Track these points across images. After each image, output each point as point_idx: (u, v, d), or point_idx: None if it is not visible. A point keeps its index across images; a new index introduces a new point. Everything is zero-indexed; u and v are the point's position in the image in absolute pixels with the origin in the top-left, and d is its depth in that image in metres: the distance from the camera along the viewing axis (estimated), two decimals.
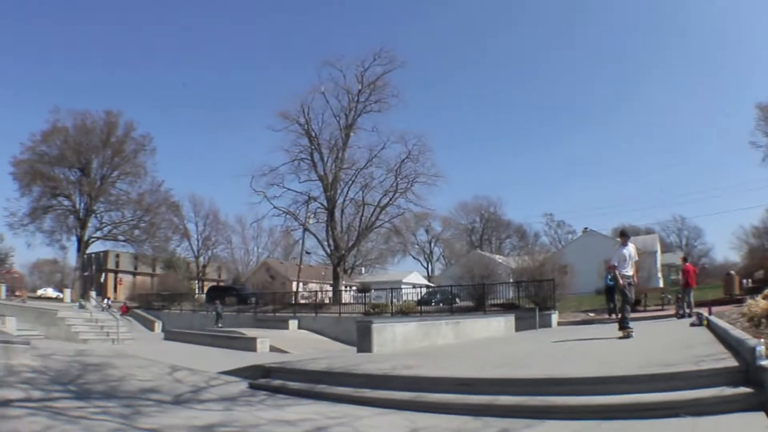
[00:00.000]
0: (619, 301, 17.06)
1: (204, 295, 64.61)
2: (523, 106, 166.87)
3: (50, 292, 79.85)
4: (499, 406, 7.60)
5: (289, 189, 57.34)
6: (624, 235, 17.35)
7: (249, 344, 27.76)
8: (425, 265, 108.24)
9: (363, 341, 15.07)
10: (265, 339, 28.16)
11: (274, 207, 57.15)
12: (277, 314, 43.82)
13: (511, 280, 41.08)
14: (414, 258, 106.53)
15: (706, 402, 6.62)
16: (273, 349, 27.88)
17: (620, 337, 15.11)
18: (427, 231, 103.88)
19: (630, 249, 16.00)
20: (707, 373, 7.30)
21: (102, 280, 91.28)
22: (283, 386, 10.64)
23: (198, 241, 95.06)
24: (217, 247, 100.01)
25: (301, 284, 59.44)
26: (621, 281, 15.70)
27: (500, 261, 64.03)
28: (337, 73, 57.92)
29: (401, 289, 50.29)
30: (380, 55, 57.11)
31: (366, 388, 9.52)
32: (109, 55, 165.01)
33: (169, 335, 36.31)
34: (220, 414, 8.83)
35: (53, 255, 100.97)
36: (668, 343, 12.77)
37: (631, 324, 15.54)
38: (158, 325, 47.83)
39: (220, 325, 40.81)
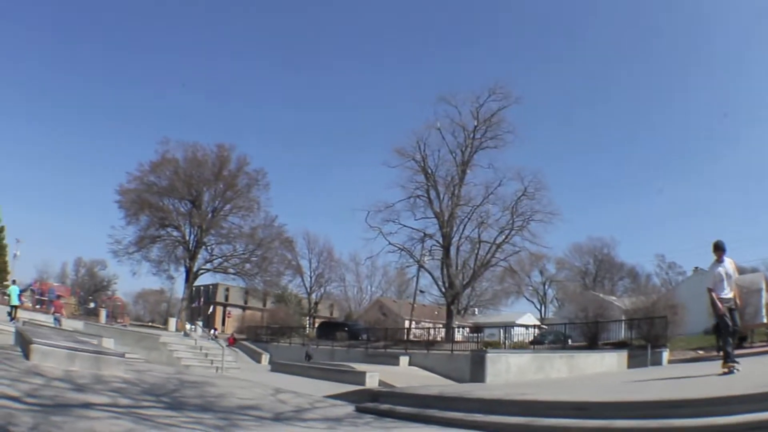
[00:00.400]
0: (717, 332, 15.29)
1: (315, 330, 64.62)
2: (639, 149, 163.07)
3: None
4: (616, 429, 7.26)
5: (404, 225, 57.10)
6: (719, 248, 13.78)
7: (358, 378, 27.63)
8: (538, 306, 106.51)
9: (476, 371, 14.84)
10: (374, 373, 27.99)
11: (390, 243, 56.89)
12: (388, 350, 43.38)
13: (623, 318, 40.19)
14: (528, 300, 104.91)
15: None
16: (382, 383, 27.63)
17: (721, 374, 12.66)
18: (541, 272, 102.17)
19: (727, 266, 13.48)
20: None
21: (210, 312, 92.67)
22: (391, 410, 10.42)
23: (311, 277, 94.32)
24: (330, 285, 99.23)
25: (413, 323, 59.15)
26: (719, 306, 13.14)
27: (613, 301, 62.65)
28: (452, 109, 57.31)
29: (514, 328, 49.57)
30: (495, 91, 56.38)
31: (478, 413, 9.21)
32: (223, 89, 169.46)
33: (276, 367, 36.23)
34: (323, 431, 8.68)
35: (160, 285, 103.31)
36: None
37: (737, 359, 13.06)
38: (265, 358, 47.33)
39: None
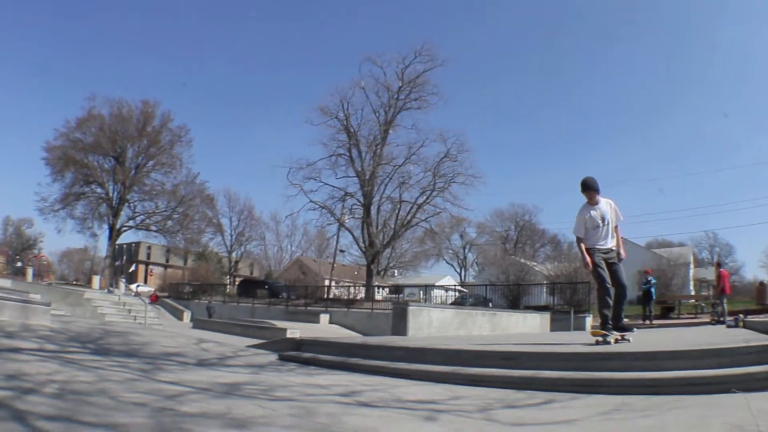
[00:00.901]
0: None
1: (236, 288, 64.24)
2: (566, 115, 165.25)
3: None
4: (544, 379, 7.35)
5: (326, 184, 57.25)
6: (588, 187, 10.61)
7: (278, 334, 27.34)
8: (458, 270, 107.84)
9: (398, 324, 14.92)
10: (295, 330, 27.92)
11: (311, 201, 56.70)
12: (308, 308, 43.19)
13: (545, 282, 40.90)
14: (448, 263, 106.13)
15: (757, 377, 6.30)
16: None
17: (593, 343, 9.97)
18: (461, 236, 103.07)
19: (603, 208, 10.59)
20: (756, 350, 7.05)
21: (132, 270, 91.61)
22: (314, 358, 10.40)
23: (231, 236, 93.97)
24: (250, 243, 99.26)
25: (334, 282, 59.32)
26: (588, 258, 10.49)
27: (534, 266, 63.69)
28: (378, 69, 57.65)
29: (434, 289, 50.05)
30: (421, 52, 56.71)
31: (402, 362, 9.26)
32: (146, 46, 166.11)
33: (198, 323, 35.85)
34: (247, 376, 8.66)
35: (84, 243, 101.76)
36: (710, 335, 12.80)
37: (634, 327, 11.10)
38: (187, 315, 46.76)
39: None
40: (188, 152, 72.96)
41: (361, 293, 52.13)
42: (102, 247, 77.56)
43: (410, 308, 14.92)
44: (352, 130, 57.26)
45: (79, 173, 69.40)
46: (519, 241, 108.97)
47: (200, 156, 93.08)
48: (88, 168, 69.41)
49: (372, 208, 56.75)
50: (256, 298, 49.91)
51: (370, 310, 40.03)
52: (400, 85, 57.48)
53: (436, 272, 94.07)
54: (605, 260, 10.44)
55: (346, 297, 48.57)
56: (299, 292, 50.57)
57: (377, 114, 57.83)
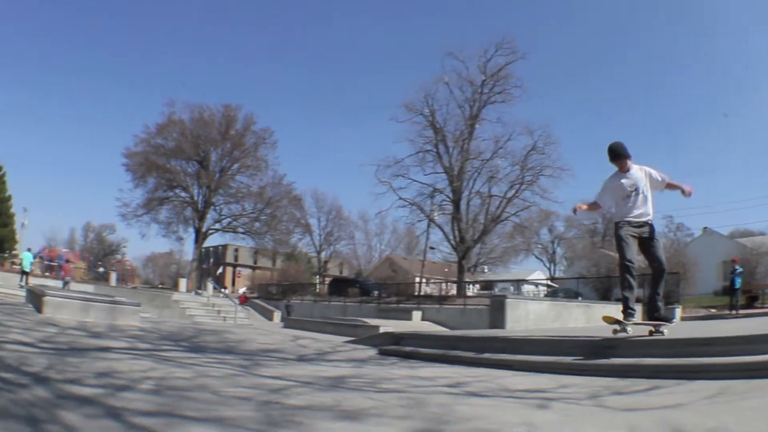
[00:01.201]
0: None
1: (327, 287, 64.42)
2: (649, 109, 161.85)
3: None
4: (646, 366, 7.22)
5: (414, 180, 57.12)
6: (618, 155, 9.19)
7: (371, 332, 27.52)
8: (547, 265, 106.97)
9: (496, 317, 14.81)
10: (387, 327, 27.94)
11: (400, 198, 56.72)
12: (400, 305, 43.27)
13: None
14: (537, 258, 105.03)
15: None
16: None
17: (614, 326, 8.87)
18: (550, 230, 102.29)
19: (635, 176, 9.14)
20: None
21: (220, 272, 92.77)
22: (414, 352, 10.30)
23: (320, 236, 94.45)
24: (339, 243, 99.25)
25: (424, 279, 59.28)
26: (584, 206, 9.88)
27: None
28: (459, 64, 57.06)
29: (524, 284, 49.74)
30: (501, 45, 55.99)
31: (504, 353, 9.14)
32: (229, 50, 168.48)
33: (289, 323, 36.04)
34: (349, 369, 8.54)
35: (169, 248, 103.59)
36: None
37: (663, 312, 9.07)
38: (277, 315, 46.29)
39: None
40: (273, 154, 73.11)
41: (453, 290, 52.05)
42: (188, 251, 78.84)
43: (508, 301, 14.82)
44: (437, 125, 57.03)
45: (161, 178, 70.38)
46: (606, 235, 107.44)
47: (286, 158, 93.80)
48: (171, 172, 70.34)
49: (461, 203, 56.28)
50: (348, 296, 50.25)
51: (462, 306, 39.88)
52: (483, 79, 56.77)
53: (525, 267, 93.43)
54: (638, 235, 9.03)
55: (438, 294, 48.55)
56: (390, 290, 50.82)
57: (462, 109, 57.39)
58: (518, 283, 47.05)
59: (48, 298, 14.27)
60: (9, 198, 68.20)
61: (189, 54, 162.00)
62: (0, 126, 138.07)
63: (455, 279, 57.72)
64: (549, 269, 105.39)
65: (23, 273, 40.92)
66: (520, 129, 55.04)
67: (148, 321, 16.94)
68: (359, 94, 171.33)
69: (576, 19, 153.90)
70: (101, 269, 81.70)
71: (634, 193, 9.08)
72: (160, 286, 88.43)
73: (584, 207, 9.94)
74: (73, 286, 44.38)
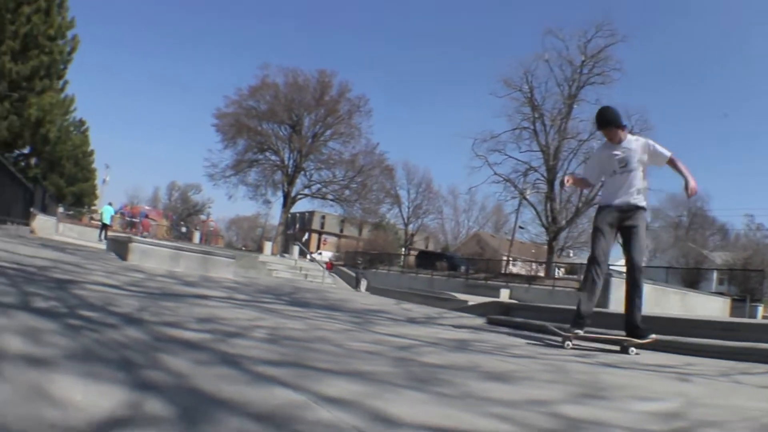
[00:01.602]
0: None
1: (414, 259, 64.82)
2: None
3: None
4: (762, 350, 7.14)
5: (510, 157, 57.27)
6: (607, 122, 7.74)
7: (459, 306, 27.46)
8: None
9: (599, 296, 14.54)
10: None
11: (495, 173, 56.89)
12: (488, 282, 43.21)
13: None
14: (620, 245, 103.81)
15: None
16: None
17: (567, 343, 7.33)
18: None
19: (629, 147, 7.57)
20: None
21: (305, 238, 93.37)
22: (526, 323, 10.21)
23: (408, 208, 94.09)
24: (427, 216, 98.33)
25: (511, 259, 59.04)
26: (598, 221, 7.71)
27: (708, 254, 61.62)
28: (559, 43, 56.98)
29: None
30: (602, 27, 55.32)
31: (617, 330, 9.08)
32: (323, 18, 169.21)
33: (375, 292, 36.02)
34: (468, 334, 8.31)
35: (255, 211, 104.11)
36: None
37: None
38: (363, 283, 46.94)
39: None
40: (367, 122, 72.73)
41: (539, 271, 51.77)
42: (274, 215, 79.29)
43: (613, 280, 14.60)
44: (536, 103, 56.89)
45: (252, 140, 70.88)
46: (691, 228, 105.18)
47: (378, 127, 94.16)
48: (262, 135, 70.94)
49: (555, 183, 55.68)
50: (435, 270, 50.25)
51: (551, 287, 39.62)
52: (582, 59, 56.52)
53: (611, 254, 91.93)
54: (619, 223, 7.50)
55: (527, 273, 48.30)
56: (479, 266, 50.70)
57: (561, 88, 57.16)
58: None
59: (134, 244, 13.76)
60: (91, 153, 69.11)
61: (283, 18, 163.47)
62: (86, 82, 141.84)
63: (541, 260, 57.78)
64: None
65: (103, 226, 41.86)
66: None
67: (241, 276, 16.46)
68: (453, 68, 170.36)
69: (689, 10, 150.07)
70: (184, 229, 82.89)
71: (624, 170, 7.54)
72: (243, 248, 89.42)
73: (571, 181, 8.36)
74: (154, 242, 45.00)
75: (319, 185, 73.43)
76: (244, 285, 12.67)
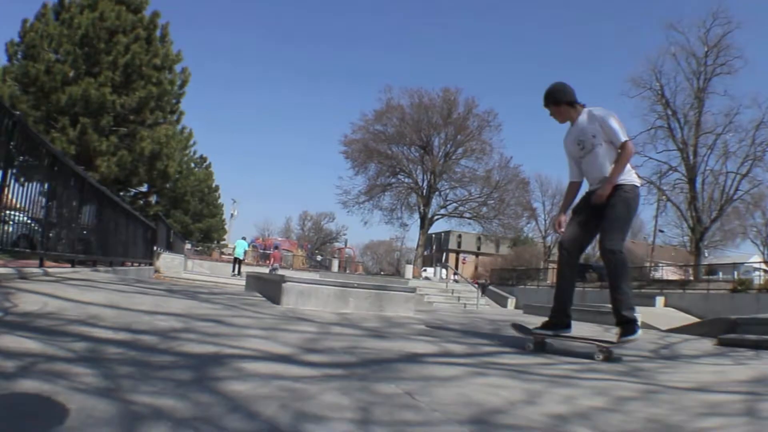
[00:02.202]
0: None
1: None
2: None
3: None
4: None
5: (650, 158, 55.72)
6: (549, 101, 6.76)
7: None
8: (762, 249, 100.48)
9: None
10: (637, 314, 26.71)
11: (640, 177, 54.63)
12: (642, 290, 41.49)
13: None
14: (752, 242, 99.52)
15: None
16: (645, 325, 26.31)
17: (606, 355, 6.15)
18: (763, 213, 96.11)
19: (580, 126, 6.59)
20: None
21: (444, 259, 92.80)
22: (762, 341, 9.43)
23: (545, 221, 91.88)
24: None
25: (653, 264, 57.42)
26: (577, 208, 6.95)
27: None
28: (679, 36, 55.33)
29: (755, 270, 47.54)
30: (717, 15, 53.23)
31: None
32: (442, 33, 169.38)
33: (529, 310, 34.89)
34: (736, 367, 6.53)
35: (389, 235, 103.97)
36: None
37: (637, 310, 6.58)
38: (511, 301, 45.53)
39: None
40: (498, 137, 72.11)
41: (684, 275, 50.14)
42: (411, 237, 78.80)
43: None
44: (667, 100, 55.25)
45: (383, 164, 70.42)
46: None
47: (508, 141, 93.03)
48: (392, 158, 70.40)
49: (696, 181, 54.01)
50: (585, 281, 48.95)
51: (705, 291, 38.23)
52: (705, 50, 54.52)
53: (741, 251, 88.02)
54: (597, 211, 6.44)
55: (679, 278, 46.87)
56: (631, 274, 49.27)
57: (690, 81, 55.08)
58: (734, 266, 44.98)
59: (289, 284, 10.49)
60: (216, 188, 70.41)
61: (400, 43, 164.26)
62: (202, 119, 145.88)
63: (683, 263, 55.98)
64: (762, 253, 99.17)
65: (236, 261, 41.56)
66: (747, 101, 52.58)
67: (419, 310, 13.08)
68: (576, 69, 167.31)
69: None
70: (319, 257, 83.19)
71: (584, 151, 6.61)
72: (381, 273, 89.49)
73: (561, 224, 6.87)
74: (294, 274, 44.65)
75: (455, 204, 72.34)
76: (435, 326, 9.18)
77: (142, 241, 24.66)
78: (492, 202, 70.48)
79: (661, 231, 63.91)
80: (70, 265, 12.60)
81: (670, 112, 55.00)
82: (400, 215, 73.25)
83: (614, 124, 6.39)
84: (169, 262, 30.26)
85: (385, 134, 70.44)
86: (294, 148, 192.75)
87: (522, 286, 52.55)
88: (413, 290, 12.58)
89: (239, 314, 8.08)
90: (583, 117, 6.57)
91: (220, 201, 73.82)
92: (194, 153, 60.21)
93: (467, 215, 72.41)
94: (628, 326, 6.29)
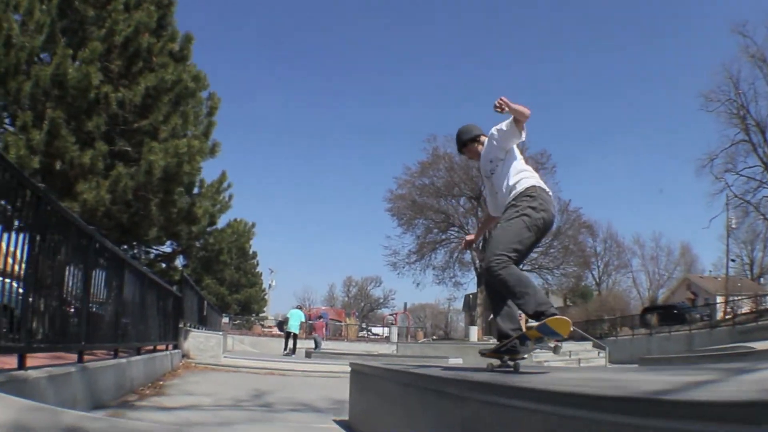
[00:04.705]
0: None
1: (643, 318, 59.52)
2: None
3: None
4: None
5: (740, 175, 51.91)
6: (459, 146, 6.95)
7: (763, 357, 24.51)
8: None
9: None
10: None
11: (736, 196, 51.86)
12: (759, 323, 38.78)
13: None
14: None
15: None
16: None
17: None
18: None
19: (485, 151, 6.48)
20: None
21: None
22: None
23: (599, 267, 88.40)
24: (618, 272, 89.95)
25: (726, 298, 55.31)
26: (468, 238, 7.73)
27: None
28: (746, 40, 50.62)
29: None
30: None
31: None
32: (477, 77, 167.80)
33: (645, 362, 32.74)
34: None
35: (437, 297, 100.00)
36: None
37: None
38: (605, 354, 43.28)
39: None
40: (552, 179, 68.95)
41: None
42: (459, 296, 75.26)
43: None
44: (743, 111, 51.91)
45: (432, 219, 67.05)
46: None
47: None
48: (442, 212, 67.15)
49: None
50: (673, 324, 46.71)
51: None
52: None
53: None
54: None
55: None
56: (724, 311, 47.11)
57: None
58: None
59: None
60: (254, 254, 65.71)
61: (439, 90, 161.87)
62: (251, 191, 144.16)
63: (750, 294, 52.21)
64: None
65: (288, 336, 34.96)
66: None
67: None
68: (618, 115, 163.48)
69: None
70: (379, 329, 77.58)
71: (491, 174, 6.34)
72: (435, 338, 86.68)
73: (465, 244, 7.69)
74: (352, 347, 42.97)
75: None
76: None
77: (161, 315, 17.56)
78: (553, 250, 66.06)
79: (733, 260, 61.99)
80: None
81: (752, 123, 51.55)
82: (453, 274, 69.16)
83: (498, 126, 6.14)
84: (202, 343, 22.43)
85: (433, 186, 66.72)
86: (332, 212, 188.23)
87: (613, 338, 49.79)
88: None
89: None
90: (485, 144, 6.48)
91: (258, 269, 69.91)
92: (229, 198, 48.85)
93: (526, 268, 68.31)
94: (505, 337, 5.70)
